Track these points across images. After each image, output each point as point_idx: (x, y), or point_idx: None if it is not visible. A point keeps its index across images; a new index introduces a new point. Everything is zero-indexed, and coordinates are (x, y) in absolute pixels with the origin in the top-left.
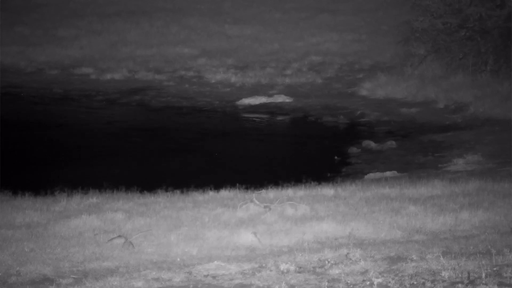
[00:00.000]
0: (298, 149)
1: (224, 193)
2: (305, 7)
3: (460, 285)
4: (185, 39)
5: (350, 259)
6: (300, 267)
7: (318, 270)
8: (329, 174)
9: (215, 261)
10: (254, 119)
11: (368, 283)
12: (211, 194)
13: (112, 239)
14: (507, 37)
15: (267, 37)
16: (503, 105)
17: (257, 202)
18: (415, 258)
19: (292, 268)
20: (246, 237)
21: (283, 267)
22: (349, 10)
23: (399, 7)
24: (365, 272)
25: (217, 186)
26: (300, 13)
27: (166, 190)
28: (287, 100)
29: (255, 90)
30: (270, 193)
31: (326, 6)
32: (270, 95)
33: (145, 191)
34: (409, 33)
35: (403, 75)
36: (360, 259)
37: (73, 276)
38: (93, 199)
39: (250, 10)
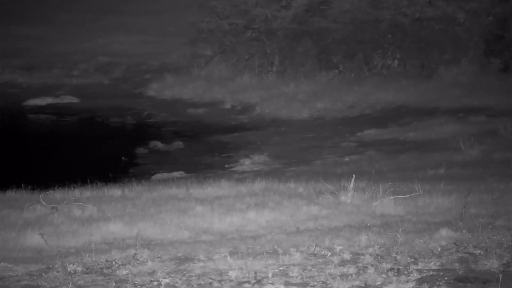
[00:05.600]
0: (85, 150)
1: (10, 194)
2: (91, 8)
3: (247, 284)
4: None
5: (138, 259)
6: (88, 268)
7: (105, 271)
8: (116, 175)
9: (1, 263)
10: (41, 119)
11: (155, 283)
12: None
13: None
14: (292, 39)
15: (54, 38)
16: (289, 106)
17: (44, 203)
18: (202, 258)
19: (79, 269)
20: (33, 239)
21: (70, 268)
22: (136, 11)
23: (186, 8)
24: (152, 272)
25: (3, 187)
26: (87, 14)
27: None
28: (74, 101)
29: (42, 91)
30: (57, 194)
31: (113, 7)
32: (57, 96)
33: None
34: (195, 34)
35: (190, 76)
36: (147, 260)
37: None
38: None
39: (37, 11)
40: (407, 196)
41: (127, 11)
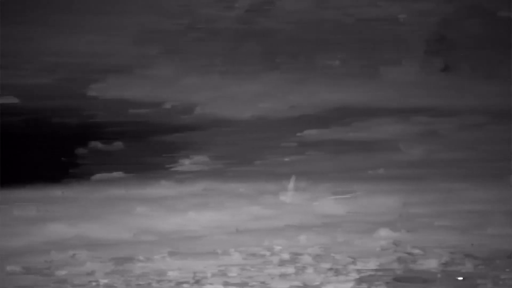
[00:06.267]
0: (26, 150)
1: None
2: (39, 7)
3: (185, 285)
4: None
5: (77, 260)
6: (27, 269)
7: (45, 271)
8: (56, 175)
9: None
10: None
11: (94, 284)
12: None
13: None
14: (235, 39)
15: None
16: (231, 106)
17: None
18: (142, 258)
19: (19, 269)
20: None
21: (9, 268)
22: (83, 10)
23: (133, 8)
24: (91, 273)
25: None
26: (36, 13)
27: None
28: (16, 101)
29: None
30: None
31: (58, 6)
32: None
33: None
34: (140, 34)
35: (133, 76)
36: (87, 260)
37: None
38: None
39: None
40: (347, 196)
41: (73, 10)
